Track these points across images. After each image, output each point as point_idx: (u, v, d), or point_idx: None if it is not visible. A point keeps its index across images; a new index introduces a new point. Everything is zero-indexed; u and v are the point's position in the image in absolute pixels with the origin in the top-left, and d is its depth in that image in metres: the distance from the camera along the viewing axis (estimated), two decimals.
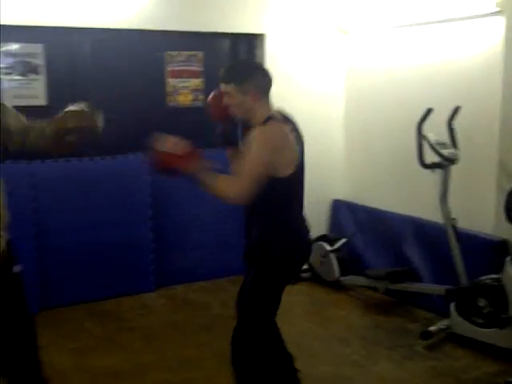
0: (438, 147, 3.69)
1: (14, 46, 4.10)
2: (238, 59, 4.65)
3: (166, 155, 2.40)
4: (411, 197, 4.40)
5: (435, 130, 3.74)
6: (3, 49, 4.07)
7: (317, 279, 4.69)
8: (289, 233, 2.60)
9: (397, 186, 4.54)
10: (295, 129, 2.60)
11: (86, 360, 3.46)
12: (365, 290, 4.51)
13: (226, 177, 2.49)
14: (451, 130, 3.79)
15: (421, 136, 3.70)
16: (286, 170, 2.49)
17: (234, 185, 2.43)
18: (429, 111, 3.69)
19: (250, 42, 4.83)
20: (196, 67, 4.70)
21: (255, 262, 2.64)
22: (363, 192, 4.86)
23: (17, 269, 2.34)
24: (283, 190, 2.52)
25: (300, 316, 4.15)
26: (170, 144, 2.43)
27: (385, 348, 3.60)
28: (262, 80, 2.54)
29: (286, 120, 2.60)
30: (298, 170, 2.56)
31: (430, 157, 3.73)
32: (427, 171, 3.76)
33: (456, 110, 3.77)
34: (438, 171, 3.73)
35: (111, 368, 3.36)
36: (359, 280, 4.46)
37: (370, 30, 4.72)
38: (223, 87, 2.53)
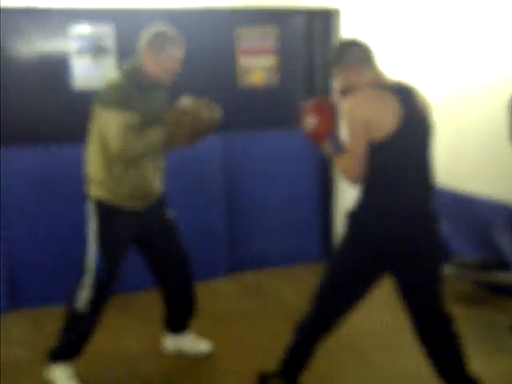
0: None
1: (84, 28, 4.12)
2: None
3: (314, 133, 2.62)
4: (504, 180, 4.09)
5: None
6: (74, 31, 4.09)
7: None
8: (378, 207, 2.50)
9: (488, 168, 4.22)
10: (404, 96, 2.49)
11: (157, 345, 3.44)
12: (451, 280, 4.28)
13: (341, 159, 2.54)
14: None
15: None
16: (379, 135, 2.41)
17: (346, 169, 2.50)
18: None
19: (325, 18, 4.67)
20: (269, 44, 4.53)
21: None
22: (449, 174, 4.57)
23: None
24: (376, 157, 2.44)
25: (381, 307, 3.94)
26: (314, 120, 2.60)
27: (472, 341, 3.35)
28: (355, 51, 2.57)
29: (393, 89, 2.50)
30: (398, 136, 2.42)
31: None
32: None
33: None
34: None
35: (182, 354, 3.33)
36: (446, 268, 4.23)
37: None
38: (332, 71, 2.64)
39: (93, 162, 2.94)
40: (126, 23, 4.18)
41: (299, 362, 2.73)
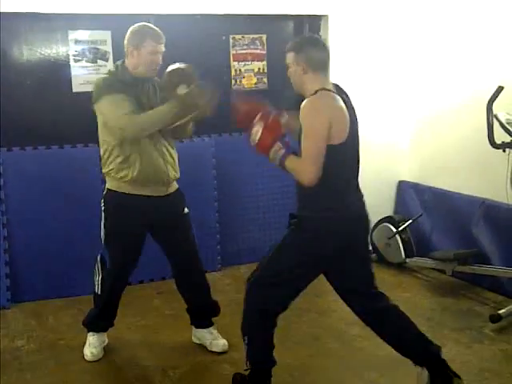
0: (508, 126, 3.58)
1: (82, 34, 4.23)
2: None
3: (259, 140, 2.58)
4: (481, 178, 4.28)
5: (506, 109, 3.63)
6: (73, 36, 4.21)
7: (382, 261, 4.65)
8: (330, 204, 2.55)
9: (465, 167, 4.42)
10: (348, 102, 2.56)
11: (155, 337, 3.58)
12: (431, 272, 4.45)
13: (295, 161, 2.51)
14: None
15: (491, 115, 3.60)
16: (336, 139, 2.45)
17: (302, 170, 2.47)
18: (500, 89, 3.58)
19: (313, 24, 4.80)
20: (260, 50, 4.71)
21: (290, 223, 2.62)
22: (430, 173, 4.77)
23: None
24: (330, 159, 2.45)
25: None
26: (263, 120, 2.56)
27: (452, 330, 3.54)
28: (315, 54, 2.55)
29: (340, 92, 2.57)
30: (348, 142, 2.50)
31: (501, 136, 3.63)
32: (497, 151, 3.66)
33: None
34: (509, 151, 3.62)
35: (179, 344, 3.46)
36: (425, 262, 4.41)
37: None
38: (287, 56, 2.61)
39: (103, 158, 3.12)
40: (124, 28, 4.32)
41: (262, 362, 2.76)
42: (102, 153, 3.12)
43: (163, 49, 3.04)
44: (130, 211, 3.09)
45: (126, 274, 3.27)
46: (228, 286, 4.40)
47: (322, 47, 2.60)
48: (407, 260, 4.52)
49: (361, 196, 2.67)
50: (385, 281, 4.41)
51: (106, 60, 4.28)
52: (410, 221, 4.59)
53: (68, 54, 4.22)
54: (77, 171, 4.19)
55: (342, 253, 2.61)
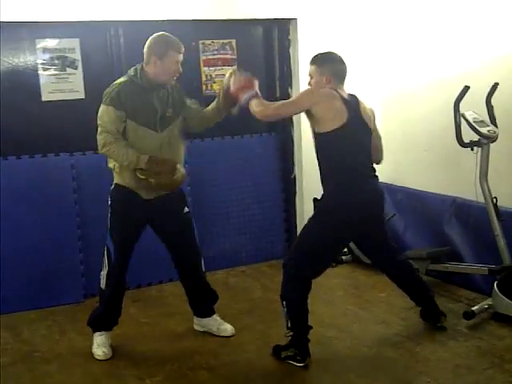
0: (476, 125, 3.64)
1: (50, 42, 4.19)
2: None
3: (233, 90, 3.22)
4: (450, 177, 4.34)
5: (473, 108, 3.69)
6: (41, 45, 4.17)
7: (357, 261, 4.69)
8: (338, 186, 3.16)
9: (435, 167, 4.49)
10: (349, 104, 3.13)
11: (131, 345, 3.57)
12: None
13: (266, 102, 3.19)
14: (490, 108, 3.73)
15: (458, 114, 3.65)
16: (329, 125, 3.06)
17: (268, 107, 3.14)
18: (466, 89, 3.64)
19: (283, 27, 4.83)
20: (229, 55, 4.72)
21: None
22: (401, 173, 4.81)
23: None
24: (331, 145, 3.11)
25: (340, 298, 4.17)
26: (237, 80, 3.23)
27: (427, 329, 3.59)
28: (337, 67, 3.18)
29: (351, 97, 3.19)
30: (345, 134, 3.07)
31: (469, 135, 3.68)
32: (466, 150, 3.71)
33: (494, 87, 3.71)
34: (477, 150, 3.68)
35: (155, 352, 3.46)
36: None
37: None
38: (309, 68, 3.24)
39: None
40: (92, 36, 4.28)
41: (300, 325, 3.18)
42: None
43: (181, 58, 3.25)
44: (130, 205, 3.28)
45: (126, 266, 3.39)
46: None
47: (343, 61, 3.20)
48: None
49: (372, 180, 3.29)
50: (360, 281, 4.45)
51: (75, 68, 4.25)
52: None
53: (36, 63, 4.17)
54: (48, 181, 4.15)
55: (353, 225, 3.21)
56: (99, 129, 3.20)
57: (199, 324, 3.68)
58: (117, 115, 3.15)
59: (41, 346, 3.58)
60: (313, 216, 3.30)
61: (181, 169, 3.27)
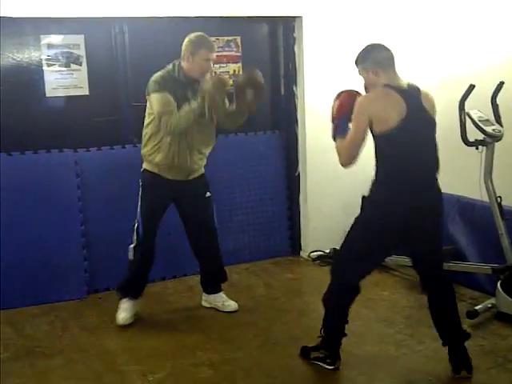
0: (481, 124, 3.63)
1: (55, 38, 4.19)
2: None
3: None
4: (455, 175, 4.31)
5: (478, 107, 3.67)
6: (45, 41, 4.17)
7: None
8: (389, 188, 2.91)
9: (441, 165, 4.46)
10: (407, 97, 2.86)
11: (133, 341, 3.57)
12: (408, 270, 4.46)
13: (340, 142, 2.93)
14: (495, 107, 3.72)
15: (464, 113, 3.64)
16: (386, 124, 2.80)
17: (342, 152, 2.90)
18: (471, 88, 3.63)
19: (288, 25, 4.82)
20: (234, 52, 4.72)
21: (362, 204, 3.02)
22: None
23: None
24: (386, 145, 2.85)
25: None
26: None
27: (429, 327, 3.54)
28: (378, 56, 2.96)
29: (401, 90, 2.88)
30: (401, 133, 2.81)
31: (474, 134, 3.67)
32: (470, 149, 3.70)
33: (500, 86, 3.69)
34: (482, 149, 3.67)
35: (157, 349, 3.45)
36: (403, 260, 4.42)
37: None
38: (358, 70, 3.04)
39: (143, 140, 3.66)
40: (97, 32, 4.28)
41: (337, 330, 3.12)
42: (143, 135, 3.66)
43: (214, 57, 3.63)
44: (156, 188, 3.65)
45: (153, 243, 3.73)
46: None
47: (384, 48, 3.00)
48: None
49: (430, 172, 3.05)
50: (363, 279, 4.43)
51: (80, 64, 4.25)
52: None
53: (41, 59, 4.17)
54: (52, 177, 4.15)
55: (398, 231, 2.94)
56: (153, 116, 3.52)
57: (207, 300, 3.97)
58: (170, 99, 3.45)
59: (43, 342, 3.58)
60: (360, 217, 3.02)
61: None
